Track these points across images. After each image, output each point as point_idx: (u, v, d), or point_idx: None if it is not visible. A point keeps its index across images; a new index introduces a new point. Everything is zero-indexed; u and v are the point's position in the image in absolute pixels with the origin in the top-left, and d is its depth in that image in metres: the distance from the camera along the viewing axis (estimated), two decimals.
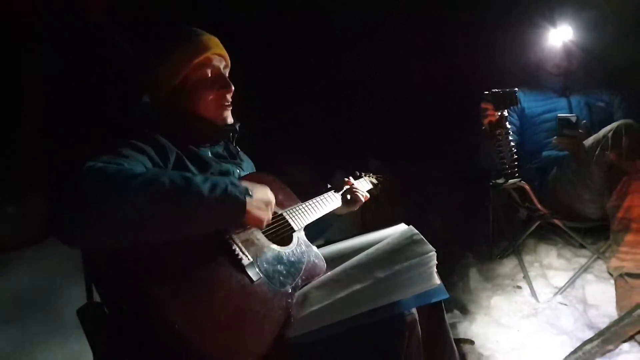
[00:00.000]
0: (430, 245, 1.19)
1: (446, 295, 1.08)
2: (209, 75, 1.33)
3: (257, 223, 1.12)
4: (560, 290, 2.35)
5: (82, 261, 1.22)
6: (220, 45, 1.38)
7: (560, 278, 2.48)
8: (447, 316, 1.41)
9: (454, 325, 2.22)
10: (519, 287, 2.49)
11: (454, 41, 3.31)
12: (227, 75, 1.39)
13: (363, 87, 3.83)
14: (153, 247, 0.98)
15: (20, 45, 3.22)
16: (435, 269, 1.12)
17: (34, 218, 3.06)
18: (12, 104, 3.13)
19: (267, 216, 1.13)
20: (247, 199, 1.06)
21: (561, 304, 2.27)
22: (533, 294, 2.39)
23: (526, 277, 2.50)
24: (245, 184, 1.11)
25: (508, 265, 2.70)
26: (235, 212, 1.05)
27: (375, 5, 3.61)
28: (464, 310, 2.37)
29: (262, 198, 1.13)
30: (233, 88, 1.36)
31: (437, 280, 1.08)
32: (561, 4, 2.53)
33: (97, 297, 1.17)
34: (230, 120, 1.39)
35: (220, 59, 1.36)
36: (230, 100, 1.37)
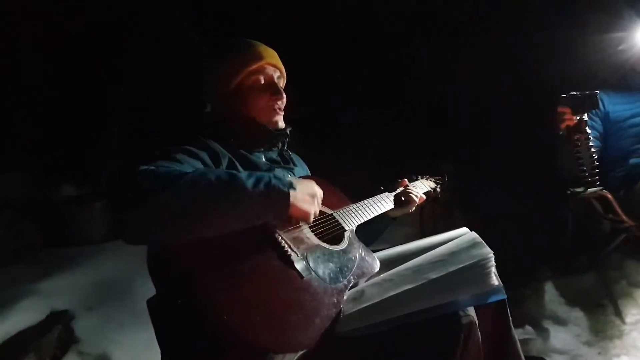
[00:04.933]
0: (488, 248, 1.15)
1: (503, 296, 1.03)
2: (262, 82, 1.40)
3: (304, 215, 1.14)
4: None
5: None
6: (276, 57, 1.45)
7: None
8: (517, 331, 1.34)
9: (525, 342, 2.11)
10: (602, 305, 2.32)
11: (531, 39, 3.11)
12: (282, 85, 1.47)
13: (434, 90, 3.74)
14: (204, 243, 1.03)
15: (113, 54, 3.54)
16: (493, 270, 1.07)
17: None
18: (102, 106, 3.45)
19: (313, 208, 1.15)
20: (291, 192, 1.09)
21: None
22: (618, 313, 2.21)
23: (610, 295, 2.30)
24: (290, 179, 1.14)
25: (589, 281, 2.51)
26: (280, 204, 1.08)
27: (442, 8, 3.53)
28: (537, 326, 2.23)
29: (307, 191, 1.16)
30: (284, 96, 1.42)
31: (494, 282, 1.04)
32: None
33: None
34: (281, 124, 1.44)
35: (274, 69, 1.43)
36: (282, 107, 1.43)
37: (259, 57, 1.40)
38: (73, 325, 2.30)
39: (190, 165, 1.15)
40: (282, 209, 1.09)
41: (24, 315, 2.25)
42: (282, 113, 1.44)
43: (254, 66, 1.38)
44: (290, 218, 1.17)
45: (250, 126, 1.39)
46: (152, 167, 1.04)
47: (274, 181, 1.07)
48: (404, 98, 3.95)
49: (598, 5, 2.62)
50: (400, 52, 3.81)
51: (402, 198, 1.62)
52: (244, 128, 1.39)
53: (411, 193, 1.63)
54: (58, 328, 2.23)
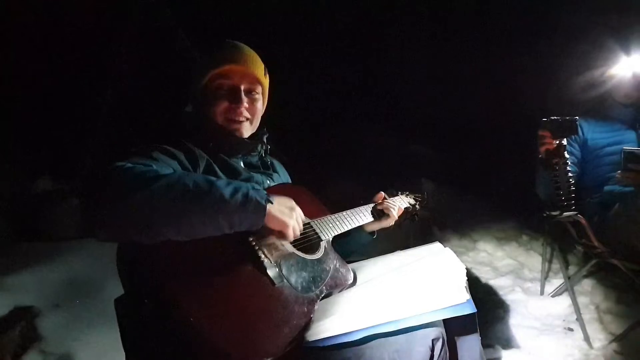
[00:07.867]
0: (462, 263, 1.17)
1: (474, 310, 1.04)
2: (224, 87, 1.34)
3: (281, 226, 1.11)
4: (617, 338, 2.17)
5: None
6: (254, 64, 1.37)
7: (618, 324, 2.30)
8: (486, 351, 1.34)
9: None
10: (571, 330, 2.33)
11: (515, 65, 3.18)
12: (257, 94, 1.39)
13: (419, 109, 3.79)
14: (175, 243, 1.01)
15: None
16: (465, 285, 1.08)
17: None
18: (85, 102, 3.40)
19: (290, 220, 1.12)
20: (268, 204, 1.07)
21: (616, 352, 2.10)
22: (586, 338, 2.23)
23: (579, 320, 2.32)
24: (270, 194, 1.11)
25: (560, 305, 2.53)
26: (256, 217, 1.06)
27: (433, 30, 3.59)
28: (507, 347, 2.24)
29: (284, 203, 1.13)
30: (244, 105, 1.35)
31: (465, 295, 1.05)
32: (635, 30, 2.38)
33: None
34: (245, 134, 1.38)
35: (243, 76, 1.35)
36: (243, 116, 1.36)
37: (228, 60, 1.33)
38: (37, 322, 2.23)
39: (166, 164, 1.13)
40: (258, 221, 1.06)
41: None
42: (243, 122, 1.37)
43: (220, 69, 1.32)
44: (268, 230, 1.13)
45: (216, 131, 1.35)
46: (129, 165, 1.02)
47: (251, 192, 1.05)
48: (390, 116, 3.99)
49: (584, 37, 2.69)
50: (388, 70, 3.85)
51: (381, 210, 1.61)
52: (213, 132, 1.34)
53: (389, 206, 1.61)
54: (21, 324, 2.16)
